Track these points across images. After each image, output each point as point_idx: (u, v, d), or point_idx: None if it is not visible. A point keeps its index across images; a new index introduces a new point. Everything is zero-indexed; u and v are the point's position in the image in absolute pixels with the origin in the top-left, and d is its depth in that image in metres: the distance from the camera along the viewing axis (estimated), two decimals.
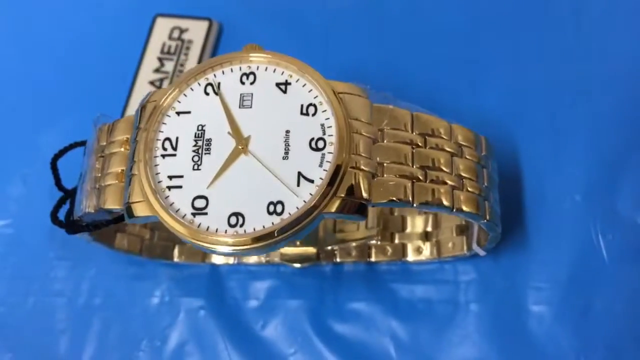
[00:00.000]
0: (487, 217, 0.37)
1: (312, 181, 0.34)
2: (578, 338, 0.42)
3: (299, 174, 0.34)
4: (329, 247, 0.46)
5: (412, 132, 0.36)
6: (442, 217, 0.45)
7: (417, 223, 0.46)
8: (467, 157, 0.38)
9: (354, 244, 0.46)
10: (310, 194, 0.34)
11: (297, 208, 0.34)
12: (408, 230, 0.46)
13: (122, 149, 0.38)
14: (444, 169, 0.36)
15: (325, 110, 0.35)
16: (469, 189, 0.37)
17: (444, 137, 0.37)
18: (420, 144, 0.36)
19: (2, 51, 0.56)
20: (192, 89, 0.37)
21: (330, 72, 0.51)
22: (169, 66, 0.54)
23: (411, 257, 0.46)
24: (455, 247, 0.44)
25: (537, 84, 0.48)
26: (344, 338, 0.45)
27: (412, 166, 0.36)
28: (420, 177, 0.36)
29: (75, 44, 0.56)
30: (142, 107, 0.37)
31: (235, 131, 0.36)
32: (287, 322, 0.46)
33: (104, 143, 0.39)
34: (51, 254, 0.50)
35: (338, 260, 0.46)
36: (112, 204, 0.37)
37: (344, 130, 0.35)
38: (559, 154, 0.46)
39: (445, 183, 0.36)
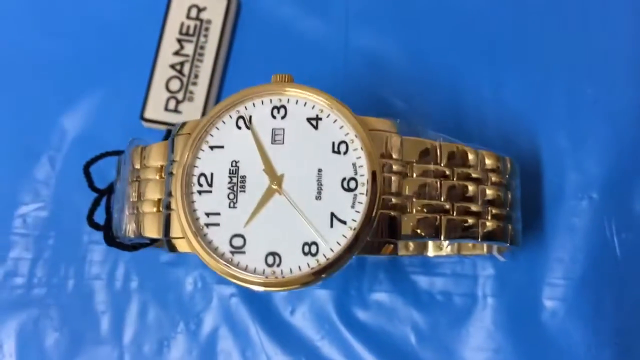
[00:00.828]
0: (510, 241, 0.39)
1: (344, 222, 0.36)
2: (589, 333, 0.45)
3: (332, 214, 0.36)
4: None
5: (440, 163, 0.37)
6: None
7: None
8: (493, 182, 0.39)
9: None
10: (344, 236, 0.35)
11: (332, 250, 0.35)
12: None
13: (157, 177, 0.39)
14: (471, 199, 0.38)
15: (356, 149, 0.36)
16: (494, 215, 0.38)
17: (471, 164, 0.38)
18: (448, 175, 0.37)
19: (22, 32, 0.56)
20: (224, 122, 0.38)
21: (350, 56, 0.52)
22: (188, 49, 0.53)
23: (432, 252, 0.48)
24: (476, 247, 0.46)
25: (561, 78, 0.48)
26: (368, 326, 0.48)
27: (441, 199, 0.37)
28: (448, 209, 0.37)
29: (92, 22, 0.55)
30: (175, 138, 0.38)
31: (269, 169, 0.37)
32: (313, 309, 0.49)
33: (138, 166, 0.40)
34: (85, 237, 0.52)
35: None
36: (152, 233, 0.39)
37: (375, 170, 0.36)
38: (579, 151, 0.47)
39: (472, 213, 0.38)
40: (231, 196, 0.37)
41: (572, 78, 0.48)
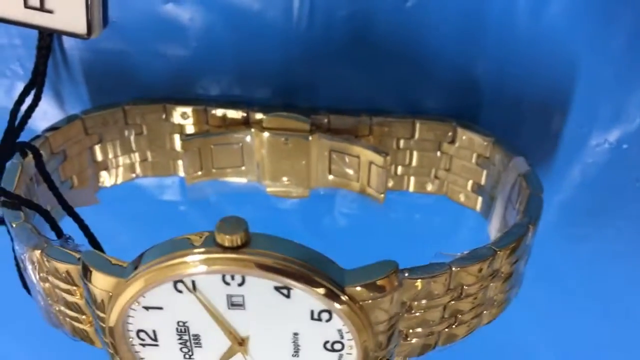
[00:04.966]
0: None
1: None
2: None
3: None
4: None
5: (447, 292, 0.29)
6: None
7: None
8: (502, 277, 0.31)
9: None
10: None
11: None
12: None
13: (78, 298, 0.30)
14: (474, 307, 0.31)
15: (342, 317, 0.28)
16: (494, 308, 0.32)
17: (482, 278, 0.30)
18: (453, 298, 0.30)
19: None
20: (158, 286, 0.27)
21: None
22: None
23: None
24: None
25: None
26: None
27: (441, 320, 0.31)
28: (448, 325, 0.31)
29: None
30: (88, 285, 0.28)
31: (229, 332, 0.28)
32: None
33: (45, 269, 0.30)
34: None
35: None
36: (98, 344, 0.32)
37: (365, 339, 0.28)
38: (623, 90, 0.36)
39: (472, 313, 0.32)
40: (184, 350, 0.29)
41: None
